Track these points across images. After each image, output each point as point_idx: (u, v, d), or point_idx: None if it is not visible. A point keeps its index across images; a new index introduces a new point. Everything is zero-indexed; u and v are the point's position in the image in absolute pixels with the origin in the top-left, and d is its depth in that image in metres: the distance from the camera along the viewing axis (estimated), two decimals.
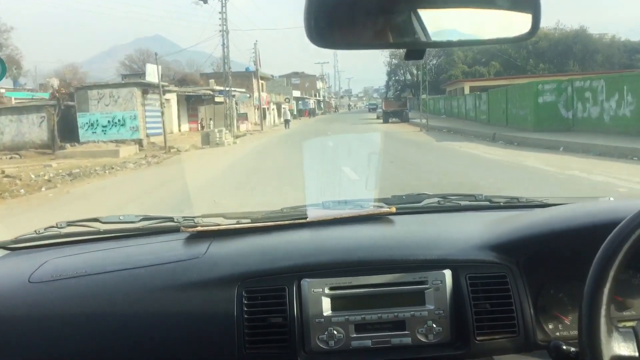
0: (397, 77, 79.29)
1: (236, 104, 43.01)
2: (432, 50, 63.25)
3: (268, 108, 58.98)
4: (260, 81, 54.70)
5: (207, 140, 28.34)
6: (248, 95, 50.04)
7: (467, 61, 60.67)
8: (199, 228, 1.76)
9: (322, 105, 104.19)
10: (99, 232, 1.88)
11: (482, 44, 1.06)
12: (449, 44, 1.04)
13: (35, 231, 1.88)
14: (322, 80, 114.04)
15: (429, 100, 53.03)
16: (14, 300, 1.48)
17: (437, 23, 1.00)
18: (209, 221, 1.87)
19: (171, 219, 1.91)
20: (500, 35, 1.05)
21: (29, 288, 1.50)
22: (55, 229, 1.87)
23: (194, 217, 1.92)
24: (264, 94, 54.69)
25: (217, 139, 28.42)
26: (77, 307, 1.44)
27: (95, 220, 1.90)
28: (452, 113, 45.77)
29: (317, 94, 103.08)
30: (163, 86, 30.06)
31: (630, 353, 1.03)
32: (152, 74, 30.64)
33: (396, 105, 48.61)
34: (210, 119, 40.81)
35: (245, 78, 52.02)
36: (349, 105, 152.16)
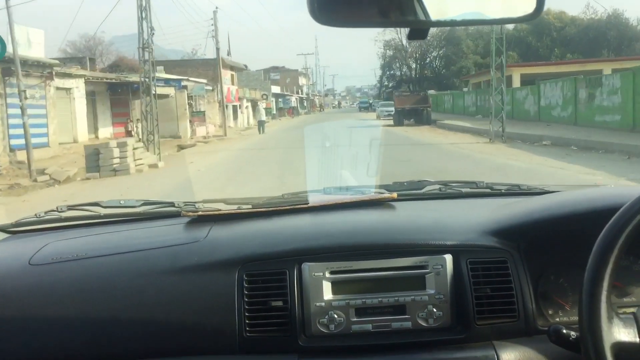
0: (391, 72, 72.86)
1: (190, 98, 31.87)
2: (433, 41, 59.91)
3: (240, 106, 47.46)
4: (230, 72, 42.93)
5: (95, 163, 14.79)
6: (210, 88, 36.34)
7: (479, 51, 53.22)
8: (200, 212, 1.77)
9: (305, 104, 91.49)
10: (99, 217, 1.89)
11: (486, 23, 1.06)
12: (452, 23, 1.03)
13: (35, 215, 1.89)
14: (305, 76, 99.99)
15: (442, 96, 47.52)
16: (14, 282, 1.48)
17: (440, 2, 0.99)
18: (210, 206, 1.88)
19: (172, 204, 1.92)
20: (504, 15, 1.06)
21: (29, 270, 1.51)
22: (56, 212, 1.88)
23: (195, 202, 1.93)
24: (232, 87, 42.50)
25: (114, 161, 14.81)
26: (77, 289, 1.45)
27: (96, 204, 1.90)
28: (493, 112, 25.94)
29: (300, 91, 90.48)
30: (56, 64, 19.97)
31: (630, 339, 1.03)
32: (33, 43, 19.37)
33: (413, 101, 34.81)
34: (139, 120, 21.72)
35: (211, 68, 38.05)
36: (339, 103, 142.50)
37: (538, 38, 49.62)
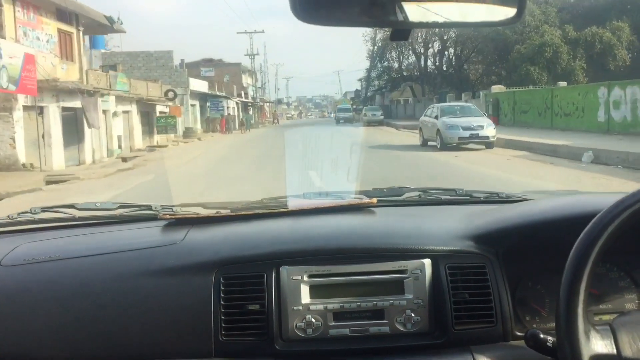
0: (387, 63, 50.19)
1: None
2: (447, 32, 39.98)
3: (108, 112, 22.82)
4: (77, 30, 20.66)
5: None
6: None
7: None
8: (178, 215, 1.75)
9: (251, 112, 64.66)
10: (74, 219, 1.86)
11: (467, 26, 1.07)
12: (434, 25, 1.04)
13: (8, 216, 1.85)
14: (250, 75, 70.41)
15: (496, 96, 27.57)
16: None
17: (423, 3, 1.00)
18: (188, 210, 1.86)
19: (149, 207, 1.90)
20: (485, 18, 1.06)
21: (0, 271, 1.47)
22: (29, 214, 1.84)
23: (173, 206, 1.91)
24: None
25: None
26: (49, 291, 1.42)
27: (71, 206, 1.87)
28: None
29: (245, 94, 63.49)
30: None
31: (608, 351, 1.03)
32: None
33: None
34: None
35: None
36: (300, 113, 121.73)
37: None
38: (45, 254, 1.53)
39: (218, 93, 48.46)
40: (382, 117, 42.74)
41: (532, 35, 32.92)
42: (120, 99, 25.09)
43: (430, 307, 1.41)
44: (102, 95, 22.44)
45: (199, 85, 42.92)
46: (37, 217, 1.83)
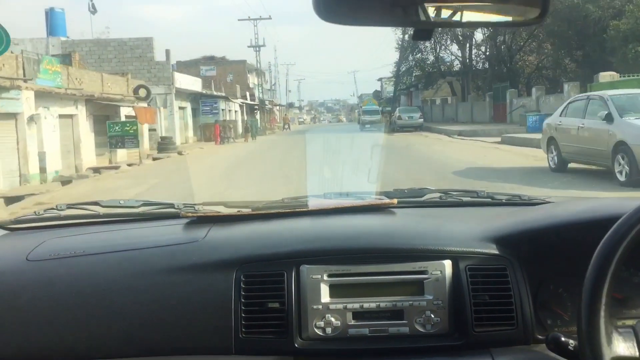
0: (420, 55, 40.38)
1: None
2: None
3: (19, 116, 15.08)
4: None
5: None
6: None
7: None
8: (199, 214, 1.77)
9: (258, 116, 53.84)
10: (98, 216, 1.89)
11: (491, 25, 1.07)
12: (456, 25, 1.04)
13: (35, 212, 1.89)
14: (257, 75, 59.39)
15: None
16: (12, 278, 1.48)
17: (445, 3, 1.00)
18: (210, 208, 1.88)
19: (172, 205, 1.92)
20: (509, 17, 1.06)
21: (26, 266, 1.51)
22: (55, 211, 1.88)
23: (195, 204, 1.93)
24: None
25: None
26: (74, 285, 1.44)
27: (96, 203, 1.90)
28: None
29: (251, 96, 52.34)
30: None
31: (630, 353, 1.02)
32: None
33: None
34: None
35: None
36: (314, 117, 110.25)
37: None
38: (70, 249, 1.55)
39: (215, 93, 38.43)
40: (421, 120, 33.85)
41: (632, 8, 23.16)
42: (52, 98, 17.28)
43: (450, 309, 1.40)
44: (7, 90, 14.64)
45: (189, 82, 33.04)
46: (62, 213, 1.87)
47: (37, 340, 1.37)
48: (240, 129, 39.75)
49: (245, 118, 45.23)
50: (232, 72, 51.44)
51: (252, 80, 57.24)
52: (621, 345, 1.02)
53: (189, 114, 34.19)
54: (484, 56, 38.73)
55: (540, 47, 32.99)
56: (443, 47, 39.79)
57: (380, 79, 67.28)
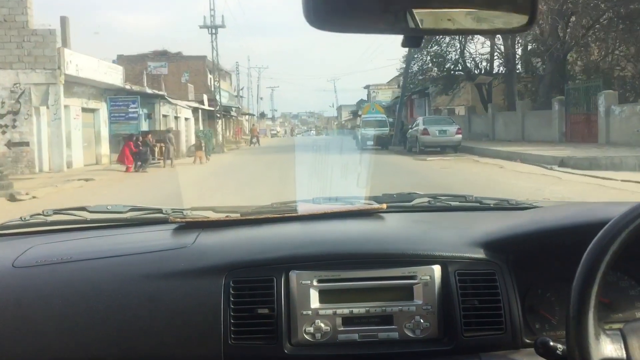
0: (437, 48, 30.26)
1: None
2: None
3: None
4: None
5: None
6: None
7: None
8: (188, 219, 1.77)
9: (220, 126, 41.71)
10: (85, 221, 1.87)
11: (479, 33, 1.08)
12: (446, 32, 1.05)
13: (20, 218, 1.87)
14: (220, 75, 43.24)
15: None
16: None
17: (435, 10, 1.00)
18: (199, 214, 1.88)
19: (160, 210, 1.91)
20: (497, 25, 1.07)
21: (12, 272, 1.49)
22: (42, 216, 1.86)
23: (183, 210, 1.92)
24: None
25: None
26: (61, 292, 1.43)
27: (83, 209, 1.89)
28: None
29: (210, 101, 39.54)
30: None
31: (618, 355, 1.03)
32: None
33: None
34: None
35: None
36: (291, 130, 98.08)
37: None
38: (57, 255, 1.54)
39: (149, 91, 26.51)
40: (459, 136, 22.93)
41: None
42: None
43: (439, 314, 1.41)
44: None
45: (95, 68, 21.31)
46: (49, 219, 1.86)
47: (24, 347, 1.35)
48: (188, 144, 29.68)
49: (202, 128, 33.47)
50: (189, 70, 40.17)
51: (212, 81, 42.44)
52: (609, 347, 1.02)
53: (103, 119, 23.27)
54: (538, 49, 26.24)
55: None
56: (471, 39, 28.17)
57: (367, 86, 58.78)
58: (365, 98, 57.70)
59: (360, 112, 35.29)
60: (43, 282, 1.45)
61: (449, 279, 1.42)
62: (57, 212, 1.88)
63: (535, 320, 1.47)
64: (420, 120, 25.28)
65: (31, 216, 1.88)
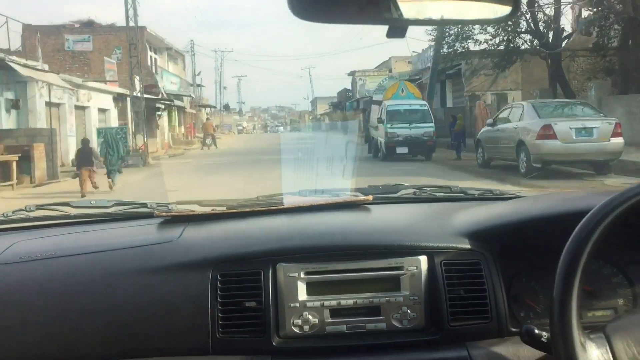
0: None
1: None
2: None
3: None
4: None
5: None
6: None
7: None
8: (173, 213, 1.76)
9: (165, 120, 32.19)
10: (69, 217, 1.85)
11: (463, 23, 1.09)
12: (430, 22, 1.05)
13: (2, 214, 1.84)
14: (170, 56, 37.82)
15: None
16: None
17: (417, 0, 1.01)
18: (184, 207, 1.86)
19: (145, 205, 1.90)
20: (481, 15, 1.07)
21: None
22: (24, 212, 1.84)
23: (168, 204, 1.91)
24: None
25: None
26: (45, 288, 1.41)
27: (66, 204, 1.87)
28: None
29: (152, 87, 27.63)
30: None
31: (602, 353, 1.04)
32: None
33: None
34: None
35: None
36: (265, 125, 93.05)
37: None
38: (40, 251, 1.52)
39: (24, 64, 16.43)
40: (620, 141, 11.62)
41: None
42: None
43: (426, 304, 1.42)
44: None
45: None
46: (32, 214, 1.83)
47: (9, 345, 1.34)
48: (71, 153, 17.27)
49: (116, 125, 22.45)
50: (122, 46, 27.74)
51: (164, 62, 35.18)
52: (594, 352, 1.03)
53: None
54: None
55: None
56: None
57: (352, 72, 47.02)
58: (349, 87, 49.29)
59: (380, 97, 22.39)
60: (27, 279, 1.44)
61: (435, 270, 1.43)
62: (40, 207, 1.86)
63: (520, 308, 1.49)
64: (525, 108, 12.88)
65: (13, 212, 1.85)
